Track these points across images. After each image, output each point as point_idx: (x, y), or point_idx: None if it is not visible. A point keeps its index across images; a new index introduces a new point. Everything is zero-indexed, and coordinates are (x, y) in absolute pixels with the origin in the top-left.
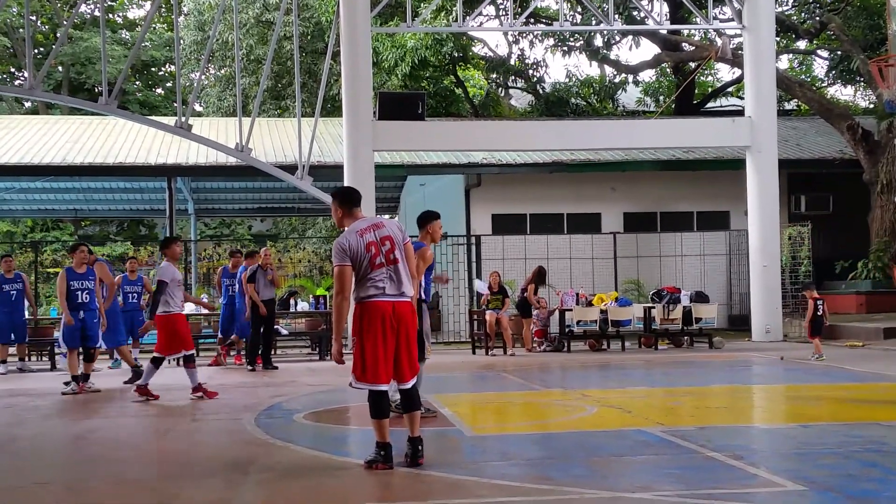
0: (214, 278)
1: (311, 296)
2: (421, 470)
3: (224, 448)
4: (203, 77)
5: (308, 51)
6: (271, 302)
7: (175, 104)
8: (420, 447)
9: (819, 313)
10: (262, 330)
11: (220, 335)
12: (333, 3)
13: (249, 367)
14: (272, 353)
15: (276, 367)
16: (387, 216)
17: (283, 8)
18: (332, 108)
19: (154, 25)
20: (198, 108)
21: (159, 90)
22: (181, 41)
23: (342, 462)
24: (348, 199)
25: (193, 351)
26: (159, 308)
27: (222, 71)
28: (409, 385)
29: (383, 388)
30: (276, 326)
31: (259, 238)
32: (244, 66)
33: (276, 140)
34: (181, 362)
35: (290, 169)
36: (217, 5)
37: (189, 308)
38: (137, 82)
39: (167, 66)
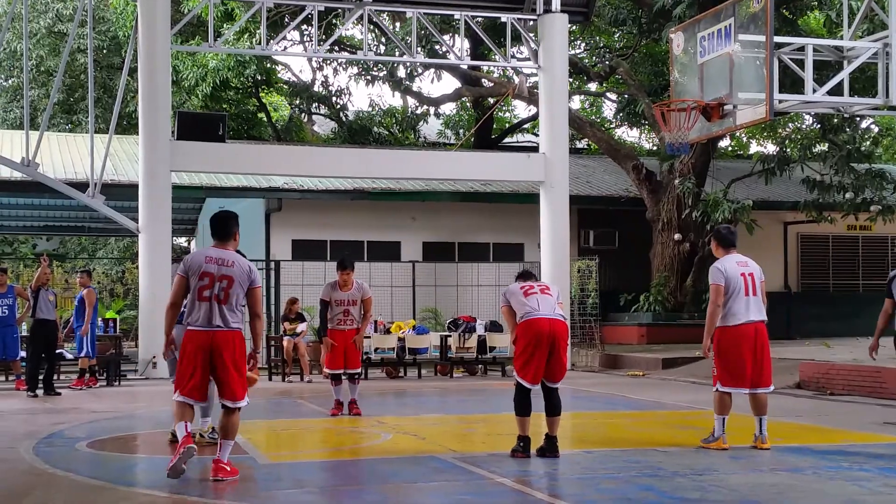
0: None
1: (99, 319)
2: (212, 499)
3: None
4: None
5: (103, 65)
6: (53, 324)
7: None
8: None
9: None
10: (43, 353)
11: None
12: (132, 18)
13: (30, 393)
14: (55, 377)
15: (59, 393)
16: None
17: (77, 20)
18: (127, 125)
19: None
20: None
21: None
22: None
23: (126, 492)
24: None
25: None
26: None
27: (9, 81)
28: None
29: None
30: (59, 350)
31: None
32: (33, 77)
33: (67, 156)
34: None
35: (82, 186)
36: (5, 14)
37: None
38: None
39: None
